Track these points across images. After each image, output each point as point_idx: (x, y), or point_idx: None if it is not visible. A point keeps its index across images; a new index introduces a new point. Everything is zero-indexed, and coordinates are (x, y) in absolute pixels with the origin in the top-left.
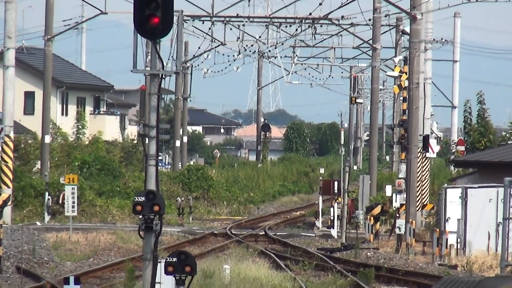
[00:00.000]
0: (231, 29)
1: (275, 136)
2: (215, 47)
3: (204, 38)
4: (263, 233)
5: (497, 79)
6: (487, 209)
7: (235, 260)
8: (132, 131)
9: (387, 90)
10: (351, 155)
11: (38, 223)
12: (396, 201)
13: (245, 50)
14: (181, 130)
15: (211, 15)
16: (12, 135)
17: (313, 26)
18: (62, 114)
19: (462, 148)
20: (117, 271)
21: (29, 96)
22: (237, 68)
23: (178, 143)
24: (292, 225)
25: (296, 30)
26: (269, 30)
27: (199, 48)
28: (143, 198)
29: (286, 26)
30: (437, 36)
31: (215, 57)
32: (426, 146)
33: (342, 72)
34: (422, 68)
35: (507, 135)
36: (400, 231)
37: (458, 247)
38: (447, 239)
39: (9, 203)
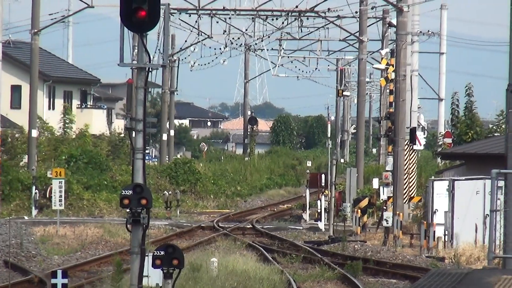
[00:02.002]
0: (217, 22)
1: (262, 129)
2: (202, 40)
3: (191, 31)
4: (251, 226)
5: (484, 71)
6: (474, 201)
7: (222, 253)
8: (119, 124)
9: (374, 83)
10: (338, 148)
11: (26, 217)
12: (383, 194)
13: (232, 43)
14: (168, 123)
15: (198, 8)
16: None
17: (299, 19)
18: (49, 108)
19: (449, 140)
20: (104, 265)
21: (15, 90)
22: (223, 61)
23: (165, 136)
24: (280, 218)
25: (283, 23)
26: (255, 23)
27: (185, 41)
28: (130, 192)
29: (272, 19)
30: (424, 28)
31: (201, 50)
32: (413, 138)
33: (328, 65)
34: (409, 60)
35: (494, 127)
36: (387, 223)
37: (446, 239)
38: (434, 232)
39: None
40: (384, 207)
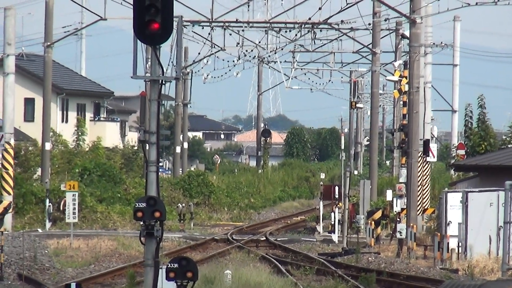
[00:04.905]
0: (230, 34)
1: (276, 141)
2: (215, 53)
3: (204, 43)
4: (264, 238)
5: (497, 82)
6: (488, 213)
7: (236, 265)
8: (133, 137)
9: (387, 95)
10: (351, 160)
11: (39, 230)
12: (396, 206)
13: (245, 55)
14: (181, 136)
15: (211, 20)
16: (12, 142)
17: (312, 31)
18: (62, 121)
19: (462, 152)
20: (118, 277)
21: (29, 103)
22: (237, 74)
23: (178, 149)
24: (293, 230)
25: (296, 35)
26: (268, 35)
27: (199, 53)
28: (144, 204)
29: (285, 31)
30: (437, 40)
31: (215, 63)
32: (426, 150)
33: (342, 77)
34: (422, 72)
35: (508, 138)
36: (401, 235)
37: (459, 251)
38: (448, 243)
39: (10, 210)
40: (398, 219)
